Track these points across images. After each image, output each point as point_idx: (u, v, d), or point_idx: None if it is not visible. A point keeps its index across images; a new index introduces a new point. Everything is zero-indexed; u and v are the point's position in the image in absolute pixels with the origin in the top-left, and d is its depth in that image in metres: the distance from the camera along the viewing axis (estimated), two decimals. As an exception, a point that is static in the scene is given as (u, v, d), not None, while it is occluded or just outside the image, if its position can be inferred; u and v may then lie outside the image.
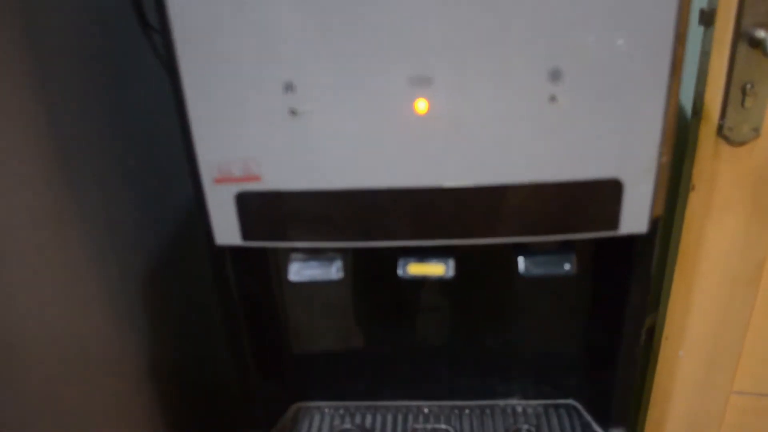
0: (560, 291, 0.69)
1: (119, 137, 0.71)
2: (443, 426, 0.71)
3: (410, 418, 0.73)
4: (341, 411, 0.75)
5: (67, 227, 0.61)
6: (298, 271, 0.57)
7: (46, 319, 0.57)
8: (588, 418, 0.71)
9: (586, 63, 0.47)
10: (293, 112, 0.50)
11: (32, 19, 0.56)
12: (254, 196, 0.53)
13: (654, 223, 0.54)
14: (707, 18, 0.57)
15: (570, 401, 0.74)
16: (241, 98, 0.50)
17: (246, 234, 0.55)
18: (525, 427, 0.71)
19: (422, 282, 0.69)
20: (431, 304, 0.72)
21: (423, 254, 0.56)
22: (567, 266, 0.56)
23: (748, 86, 0.57)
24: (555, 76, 0.47)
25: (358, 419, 0.73)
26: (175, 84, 0.50)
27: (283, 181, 0.52)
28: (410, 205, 0.52)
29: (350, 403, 0.75)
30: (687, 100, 0.62)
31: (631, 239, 0.55)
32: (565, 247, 0.57)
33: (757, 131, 0.58)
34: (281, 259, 0.65)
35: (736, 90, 0.57)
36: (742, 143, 0.59)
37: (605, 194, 0.52)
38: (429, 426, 0.72)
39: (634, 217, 0.53)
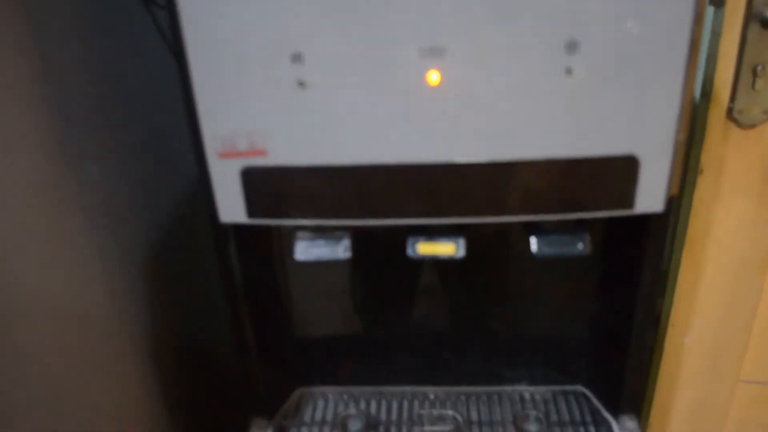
0: (571, 273, 0.68)
1: (121, 113, 0.69)
2: (449, 412, 0.70)
3: (416, 404, 0.72)
4: (345, 396, 0.73)
5: (67, 203, 0.60)
6: (305, 250, 0.56)
7: (44, 295, 0.56)
8: (597, 404, 0.70)
9: (603, 34, 0.46)
10: (301, 84, 0.48)
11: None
12: (260, 172, 0.52)
13: (670, 202, 0.52)
14: (718, -2, 0.56)
15: (578, 387, 0.72)
16: (248, 69, 0.48)
17: (251, 211, 0.54)
18: (533, 413, 0.69)
19: (431, 263, 0.67)
20: (439, 287, 0.70)
21: (433, 233, 0.55)
22: (580, 246, 0.55)
23: (759, 68, 0.56)
24: (571, 47, 0.46)
25: (362, 405, 0.72)
26: (179, 55, 0.48)
27: (289, 156, 0.51)
28: (420, 182, 0.51)
29: (355, 388, 0.74)
30: (696, 83, 0.61)
31: (645, 219, 0.54)
32: (577, 227, 0.56)
33: (767, 114, 0.57)
34: (286, 240, 0.64)
35: (747, 72, 0.56)
36: (752, 126, 0.58)
37: (621, 171, 0.50)
38: (435, 412, 0.71)
39: (650, 195, 0.52)
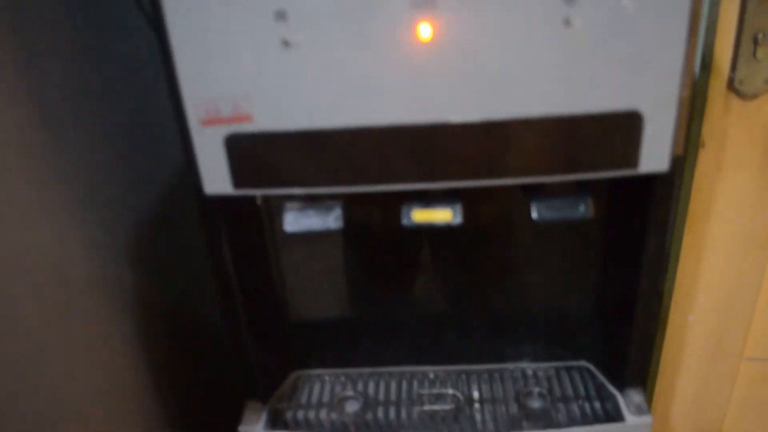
0: (573, 242, 0.65)
1: (107, 88, 0.67)
2: (450, 391, 0.68)
3: (415, 384, 0.70)
4: (342, 378, 0.71)
5: (51, 177, 0.57)
6: (295, 221, 0.53)
7: (28, 265, 0.54)
8: (602, 379, 0.68)
9: (602, -18, 0.44)
10: (286, 44, 0.46)
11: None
12: (245, 138, 0.49)
13: (675, 161, 0.50)
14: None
15: (582, 363, 0.70)
16: (229, 29, 0.46)
17: (237, 181, 0.51)
18: (536, 390, 0.67)
19: (427, 234, 0.65)
20: (437, 260, 0.68)
21: (428, 200, 0.53)
22: (582, 209, 0.52)
23: (760, 36, 0.55)
24: (570, -5, 0.44)
25: (360, 386, 0.70)
26: (157, 13, 0.46)
27: (275, 121, 0.49)
28: (414, 144, 0.49)
29: (352, 369, 0.72)
30: (696, 55, 0.59)
31: (650, 180, 0.52)
32: (579, 189, 0.54)
33: (769, 83, 0.56)
34: (275, 213, 0.62)
35: (748, 40, 0.55)
36: (754, 96, 0.57)
37: (624, 128, 0.48)
38: (435, 391, 0.68)
39: (655, 154, 0.49)
